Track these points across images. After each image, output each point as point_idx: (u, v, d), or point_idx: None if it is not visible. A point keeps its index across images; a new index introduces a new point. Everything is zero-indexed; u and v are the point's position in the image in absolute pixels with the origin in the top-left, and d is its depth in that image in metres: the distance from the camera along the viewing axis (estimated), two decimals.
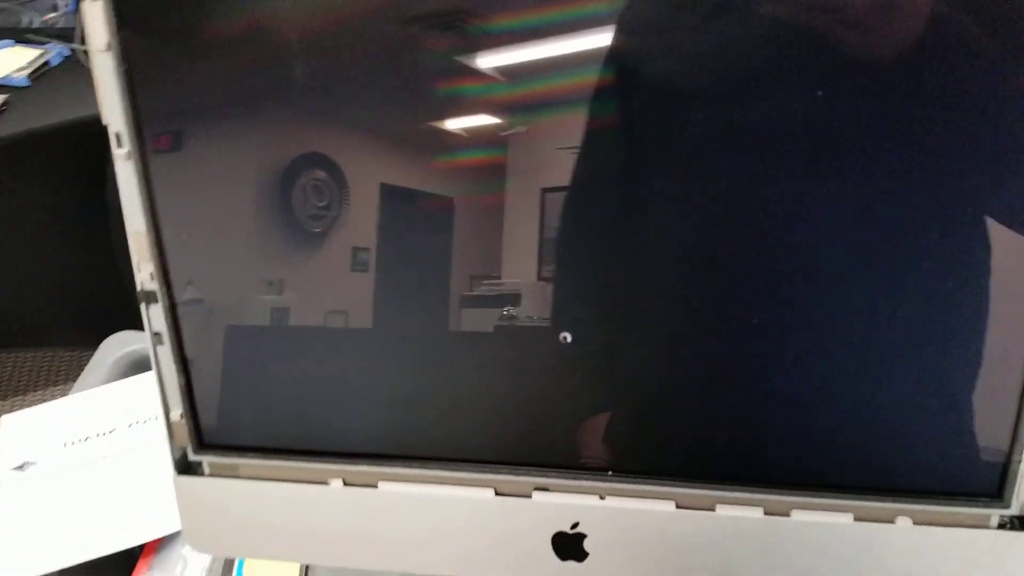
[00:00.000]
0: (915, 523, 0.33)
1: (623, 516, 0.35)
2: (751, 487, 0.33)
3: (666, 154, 0.31)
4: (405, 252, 0.34)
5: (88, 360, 0.67)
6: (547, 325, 0.33)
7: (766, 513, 0.34)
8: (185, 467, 0.40)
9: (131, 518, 0.50)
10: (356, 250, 0.34)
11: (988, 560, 0.33)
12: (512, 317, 0.33)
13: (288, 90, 0.32)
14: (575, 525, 0.36)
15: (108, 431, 0.57)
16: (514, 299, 0.33)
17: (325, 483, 0.38)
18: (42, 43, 1.34)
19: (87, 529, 0.49)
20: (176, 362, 0.37)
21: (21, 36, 1.36)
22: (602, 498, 0.35)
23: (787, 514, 0.33)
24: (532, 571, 0.36)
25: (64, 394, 0.62)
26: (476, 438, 0.36)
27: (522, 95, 0.30)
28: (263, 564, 0.49)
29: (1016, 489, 0.31)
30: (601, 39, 0.29)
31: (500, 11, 0.29)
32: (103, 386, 0.62)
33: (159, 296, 0.35)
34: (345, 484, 0.38)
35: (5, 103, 1.19)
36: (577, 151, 0.31)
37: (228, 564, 0.50)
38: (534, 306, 0.33)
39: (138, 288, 0.36)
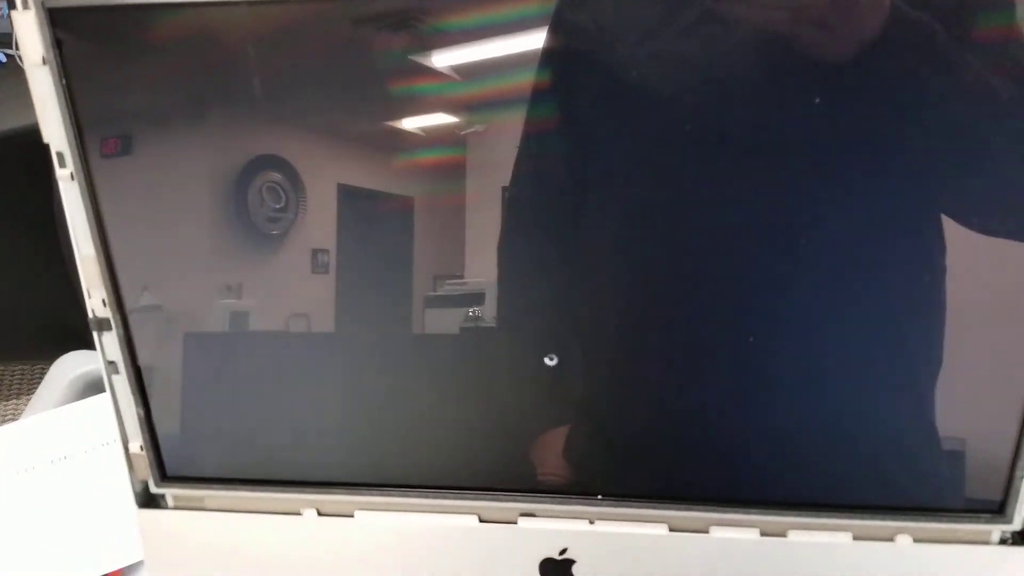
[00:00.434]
0: (915, 540, 0.32)
1: (614, 540, 0.34)
2: (746, 508, 0.32)
3: (623, 156, 0.30)
4: (366, 253, 0.33)
5: (43, 373, 0.64)
6: (519, 333, 0.32)
7: (762, 534, 0.33)
8: (147, 500, 0.38)
9: (89, 549, 0.47)
10: (316, 252, 0.33)
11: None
12: (478, 318, 0.32)
13: (239, 93, 0.31)
14: (564, 551, 0.34)
15: (62, 457, 0.54)
16: (479, 298, 0.32)
17: (298, 513, 0.36)
18: None
19: (43, 561, 0.47)
20: (134, 393, 0.34)
21: None
22: (592, 522, 0.34)
23: (784, 535, 0.33)
24: None
25: (18, 409, 0.59)
26: (457, 463, 0.35)
27: (479, 94, 0.30)
28: None
29: (1018, 504, 0.30)
30: (555, 38, 0.28)
31: (453, 10, 0.29)
32: (55, 409, 0.59)
33: (112, 324, 0.33)
34: (320, 514, 0.36)
35: None
36: (529, 151, 0.30)
37: None
38: (501, 308, 0.32)
39: (89, 316, 0.33)
